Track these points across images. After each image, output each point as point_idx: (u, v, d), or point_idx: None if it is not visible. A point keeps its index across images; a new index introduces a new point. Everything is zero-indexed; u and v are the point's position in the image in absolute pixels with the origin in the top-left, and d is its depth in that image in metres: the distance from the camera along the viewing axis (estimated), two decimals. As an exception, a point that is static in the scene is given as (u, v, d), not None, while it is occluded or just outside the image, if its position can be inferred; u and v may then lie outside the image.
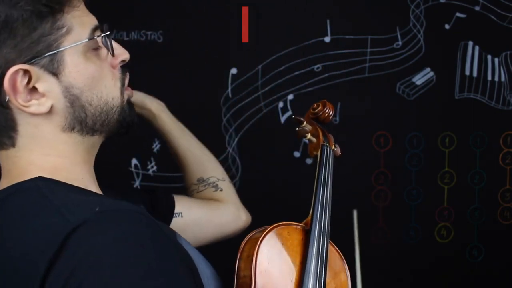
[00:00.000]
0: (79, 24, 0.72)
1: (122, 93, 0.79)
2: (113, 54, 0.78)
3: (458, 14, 1.70)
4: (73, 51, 0.71)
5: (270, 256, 0.85)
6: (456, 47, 1.72)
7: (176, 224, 1.07)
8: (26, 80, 0.69)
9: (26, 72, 0.69)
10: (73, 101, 0.73)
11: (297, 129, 1.15)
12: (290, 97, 1.72)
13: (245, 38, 1.70)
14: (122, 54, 0.79)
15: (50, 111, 0.72)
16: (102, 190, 0.85)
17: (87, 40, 0.72)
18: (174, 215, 1.07)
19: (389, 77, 1.72)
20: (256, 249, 0.83)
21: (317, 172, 1.02)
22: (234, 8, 1.68)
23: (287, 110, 1.73)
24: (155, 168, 1.75)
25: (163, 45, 1.69)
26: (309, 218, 0.94)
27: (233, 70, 1.71)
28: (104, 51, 0.77)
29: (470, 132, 1.75)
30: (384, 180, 1.75)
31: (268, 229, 0.88)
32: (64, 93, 0.73)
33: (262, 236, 0.85)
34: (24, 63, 0.68)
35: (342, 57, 1.71)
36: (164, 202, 1.08)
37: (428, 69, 1.73)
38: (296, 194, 1.75)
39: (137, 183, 1.75)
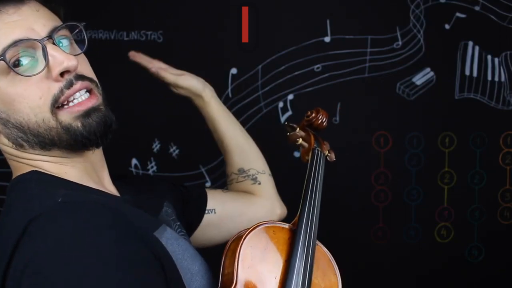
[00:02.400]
0: None
1: (52, 112, 0.72)
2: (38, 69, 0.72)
3: (458, 14, 1.70)
4: None
5: (254, 253, 0.85)
6: (456, 47, 1.72)
7: (210, 220, 1.08)
8: None
9: None
10: (5, 123, 0.74)
11: (288, 134, 1.17)
12: (290, 97, 1.72)
13: (245, 38, 1.70)
14: (57, 65, 0.71)
15: None
16: (121, 184, 0.88)
17: None
18: (207, 212, 1.08)
19: (389, 77, 1.72)
20: (240, 245, 0.84)
21: (307, 174, 1.03)
22: (234, 8, 1.68)
23: (287, 110, 1.73)
24: (155, 168, 1.75)
25: (163, 45, 1.69)
26: (296, 219, 0.95)
27: (233, 70, 1.71)
28: (39, 65, 0.72)
29: (470, 132, 1.75)
30: (384, 180, 1.75)
31: (252, 227, 0.87)
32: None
33: (246, 234, 0.86)
34: None
35: (342, 57, 1.71)
36: (196, 199, 1.09)
37: (428, 69, 1.73)
38: (296, 193, 1.75)
39: (137, 183, 1.75)
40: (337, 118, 1.73)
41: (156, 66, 1.15)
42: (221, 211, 1.10)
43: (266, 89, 1.72)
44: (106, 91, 1.77)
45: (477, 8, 1.70)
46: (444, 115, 1.74)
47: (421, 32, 1.71)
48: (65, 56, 0.72)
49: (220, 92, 1.74)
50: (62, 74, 0.73)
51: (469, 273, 1.79)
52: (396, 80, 1.73)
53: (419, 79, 1.73)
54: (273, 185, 1.21)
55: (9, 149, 0.78)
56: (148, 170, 1.76)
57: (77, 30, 0.80)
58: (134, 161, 1.75)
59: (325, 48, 1.70)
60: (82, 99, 0.74)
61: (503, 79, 1.73)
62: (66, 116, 0.73)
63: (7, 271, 0.66)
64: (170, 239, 0.80)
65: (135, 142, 1.72)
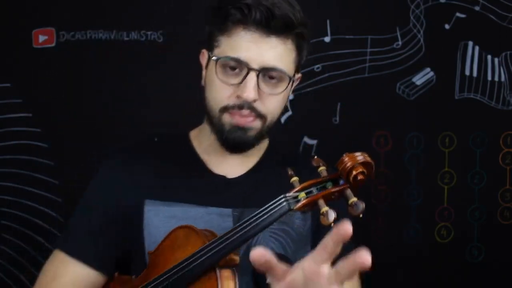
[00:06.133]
0: (227, 47, 0.94)
1: (221, 110, 0.96)
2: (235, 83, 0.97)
3: (458, 14, 1.70)
4: (213, 60, 0.96)
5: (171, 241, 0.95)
6: (456, 47, 1.72)
7: None
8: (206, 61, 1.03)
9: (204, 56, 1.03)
10: (205, 89, 1.02)
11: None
12: (290, 97, 1.72)
13: (245, 38, 1.69)
14: (241, 91, 0.93)
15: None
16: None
17: (215, 58, 0.95)
18: None
19: (389, 77, 1.72)
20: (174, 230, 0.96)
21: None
22: (234, 8, 1.68)
23: (287, 110, 1.73)
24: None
25: (163, 45, 1.69)
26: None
27: (233, 70, 1.71)
28: (238, 77, 0.94)
29: (470, 132, 1.75)
30: (384, 180, 1.75)
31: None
32: (204, 81, 1.03)
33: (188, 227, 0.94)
34: (207, 49, 1.02)
35: (342, 57, 1.71)
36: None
37: (428, 69, 1.73)
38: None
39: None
40: (337, 118, 1.73)
41: None
42: None
43: (266, 89, 1.72)
44: (106, 91, 1.77)
45: (477, 8, 1.70)
46: (444, 115, 1.74)
47: (421, 32, 1.71)
48: (250, 89, 0.92)
49: (220, 92, 1.75)
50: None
51: (469, 273, 1.79)
52: (396, 80, 1.73)
53: (419, 79, 1.73)
54: None
55: None
56: (148, 170, 1.76)
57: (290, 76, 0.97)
58: (134, 161, 1.74)
59: (325, 48, 1.70)
60: (243, 114, 0.95)
61: (503, 79, 1.73)
62: (226, 119, 0.96)
63: None
64: (153, 211, 0.99)
65: (135, 142, 1.72)
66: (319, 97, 1.71)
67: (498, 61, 1.73)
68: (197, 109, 1.64)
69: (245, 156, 1.03)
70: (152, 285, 0.89)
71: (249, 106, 0.93)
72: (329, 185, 0.83)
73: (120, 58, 1.69)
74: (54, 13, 1.65)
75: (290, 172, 0.86)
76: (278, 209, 0.82)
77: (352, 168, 0.78)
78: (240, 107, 0.94)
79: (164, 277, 0.88)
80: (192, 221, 0.95)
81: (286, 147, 1.16)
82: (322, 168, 0.85)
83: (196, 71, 1.72)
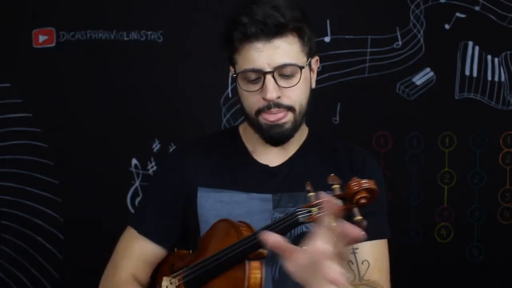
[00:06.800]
0: (242, 63, 1.07)
1: (256, 114, 1.09)
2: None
3: (458, 14, 1.70)
4: (238, 75, 1.09)
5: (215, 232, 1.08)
6: (456, 47, 1.72)
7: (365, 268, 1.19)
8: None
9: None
10: (240, 99, 1.13)
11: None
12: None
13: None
14: (263, 93, 1.06)
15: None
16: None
17: (234, 74, 1.10)
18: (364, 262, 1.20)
19: (389, 77, 1.72)
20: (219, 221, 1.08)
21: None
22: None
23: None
24: (155, 168, 1.75)
25: (163, 45, 1.70)
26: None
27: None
28: (259, 83, 1.07)
29: (470, 132, 1.75)
30: (384, 180, 1.75)
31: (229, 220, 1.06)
32: (238, 92, 1.14)
33: (228, 220, 1.06)
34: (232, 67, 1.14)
35: (342, 57, 1.71)
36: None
37: (428, 69, 1.73)
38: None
39: (137, 183, 1.75)
40: (337, 118, 1.73)
41: None
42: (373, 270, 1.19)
43: (266, 89, 1.72)
44: (106, 91, 1.76)
45: (477, 8, 1.70)
46: (444, 115, 1.74)
47: (421, 32, 1.71)
48: (271, 90, 1.05)
49: (220, 92, 1.75)
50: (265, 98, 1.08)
51: (469, 273, 1.79)
52: (396, 80, 1.73)
53: (419, 79, 1.73)
54: None
55: None
56: (148, 170, 1.76)
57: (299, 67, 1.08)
58: (134, 161, 1.75)
59: (325, 48, 1.70)
60: (273, 112, 1.07)
61: (503, 79, 1.74)
62: (262, 120, 1.09)
63: None
64: (205, 197, 1.14)
65: (135, 142, 1.72)
66: (319, 97, 1.70)
67: (498, 61, 1.73)
68: (198, 108, 1.64)
69: (286, 146, 1.16)
70: (196, 268, 1.04)
71: (275, 104, 1.06)
72: (339, 202, 0.91)
73: (120, 58, 1.69)
74: (54, 13, 1.65)
75: (308, 187, 0.95)
76: (293, 220, 0.95)
77: (357, 192, 0.88)
78: (269, 107, 1.07)
79: (205, 263, 1.03)
80: (235, 205, 1.12)
81: (326, 136, 1.24)
82: (336, 186, 0.93)
83: (196, 71, 1.73)
